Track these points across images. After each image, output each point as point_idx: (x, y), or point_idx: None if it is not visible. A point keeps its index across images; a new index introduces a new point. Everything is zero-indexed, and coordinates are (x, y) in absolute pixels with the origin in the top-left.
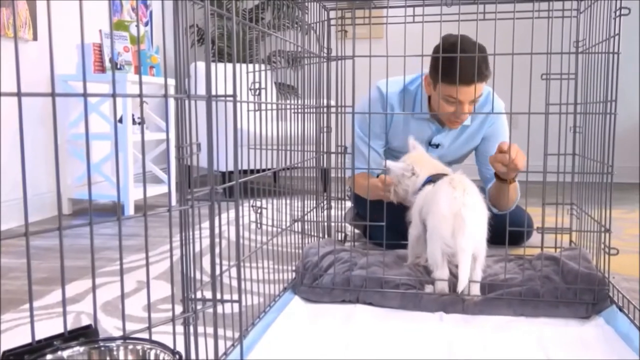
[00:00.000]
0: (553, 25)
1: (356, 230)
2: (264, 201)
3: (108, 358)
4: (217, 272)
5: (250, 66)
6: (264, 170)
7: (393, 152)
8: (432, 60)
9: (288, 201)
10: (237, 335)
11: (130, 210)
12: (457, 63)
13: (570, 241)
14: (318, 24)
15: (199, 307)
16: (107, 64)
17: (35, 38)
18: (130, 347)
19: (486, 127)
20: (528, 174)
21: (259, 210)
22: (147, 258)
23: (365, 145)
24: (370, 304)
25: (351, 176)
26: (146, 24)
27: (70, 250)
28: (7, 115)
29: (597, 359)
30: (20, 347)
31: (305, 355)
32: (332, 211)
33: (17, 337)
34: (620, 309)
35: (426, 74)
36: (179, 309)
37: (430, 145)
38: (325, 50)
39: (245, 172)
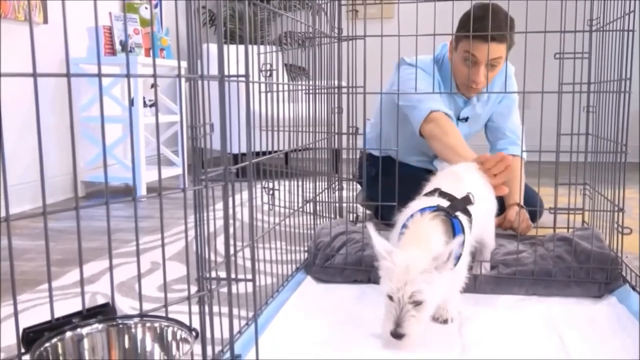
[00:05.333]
0: (567, 3)
1: (367, 211)
2: (275, 182)
3: (126, 335)
4: (231, 251)
5: (261, 48)
6: (275, 152)
7: None
8: (459, 22)
9: (300, 182)
10: (251, 314)
11: (142, 192)
12: (480, 20)
13: (583, 221)
14: (328, 3)
15: (213, 286)
16: (118, 47)
17: (45, 21)
18: (148, 324)
19: (502, 97)
20: (541, 153)
21: (271, 192)
22: (162, 237)
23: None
24: None
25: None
26: (156, 6)
27: (83, 232)
28: (17, 98)
29: (609, 337)
30: (40, 325)
31: (318, 333)
32: (344, 192)
33: (34, 317)
34: (634, 288)
35: (451, 40)
36: (193, 289)
37: (460, 119)
38: (336, 31)
39: (257, 154)
